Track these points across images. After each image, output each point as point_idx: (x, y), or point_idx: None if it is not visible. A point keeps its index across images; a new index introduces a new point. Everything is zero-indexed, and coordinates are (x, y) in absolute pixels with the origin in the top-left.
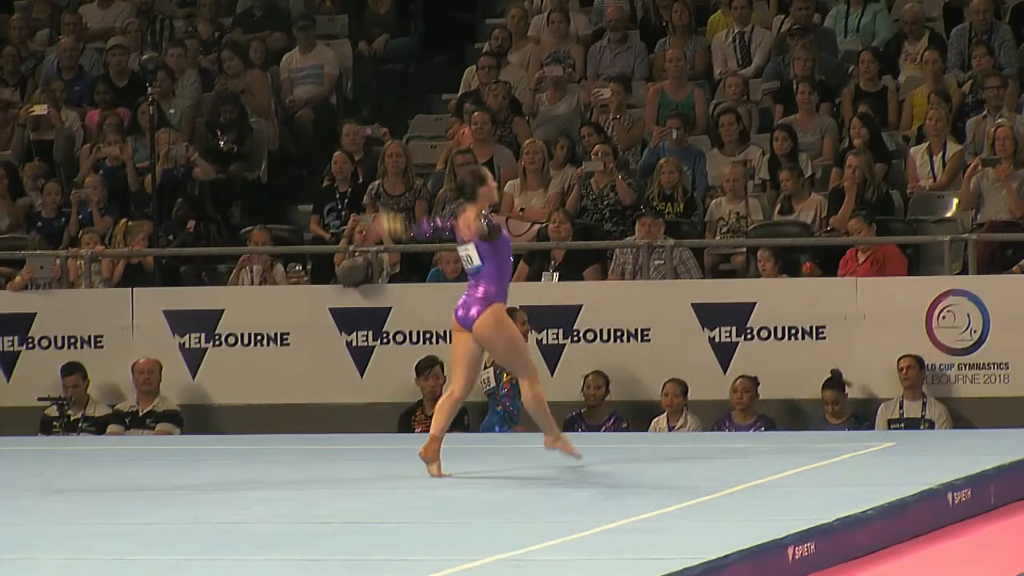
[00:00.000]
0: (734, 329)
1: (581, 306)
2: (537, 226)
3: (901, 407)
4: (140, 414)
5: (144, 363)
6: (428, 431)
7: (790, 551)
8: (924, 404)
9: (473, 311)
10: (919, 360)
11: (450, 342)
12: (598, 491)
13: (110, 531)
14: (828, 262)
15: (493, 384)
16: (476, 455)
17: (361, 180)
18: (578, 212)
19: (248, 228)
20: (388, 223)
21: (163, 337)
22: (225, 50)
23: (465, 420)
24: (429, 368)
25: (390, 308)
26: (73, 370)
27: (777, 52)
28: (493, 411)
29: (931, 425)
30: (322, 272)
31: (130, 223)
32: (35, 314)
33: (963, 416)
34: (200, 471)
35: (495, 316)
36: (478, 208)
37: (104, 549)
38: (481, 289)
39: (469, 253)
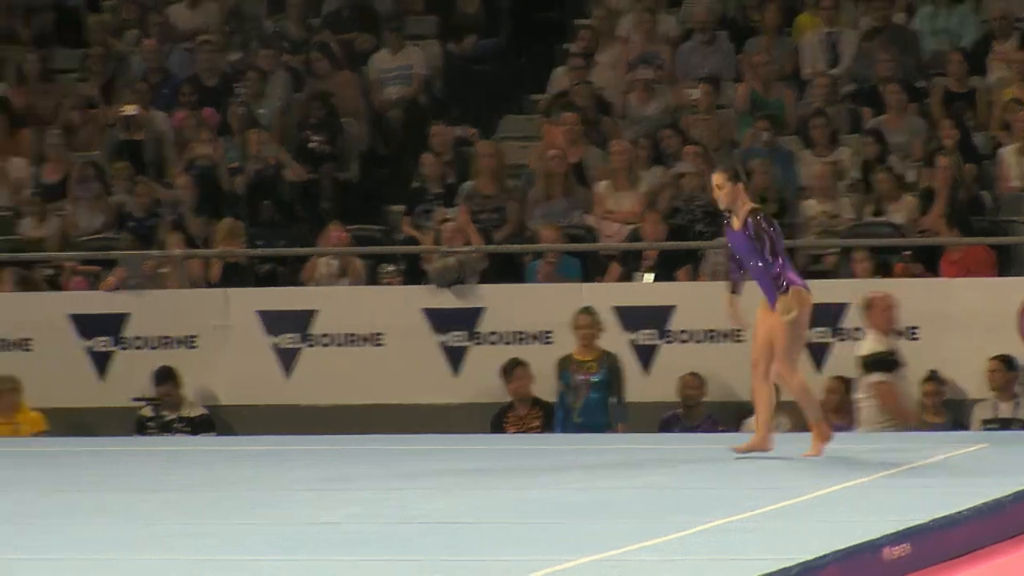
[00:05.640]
0: (827, 330)
1: (674, 307)
2: (628, 227)
3: (996, 408)
4: None
5: None
6: (521, 431)
7: (885, 552)
8: (1017, 404)
9: None
10: (1007, 361)
11: (546, 342)
12: (692, 492)
13: (202, 531)
14: (924, 263)
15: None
16: (568, 456)
17: (451, 181)
18: (670, 213)
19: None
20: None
21: (257, 337)
22: (314, 51)
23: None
24: (514, 369)
25: (483, 308)
26: (165, 379)
27: (859, 54)
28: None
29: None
30: (414, 273)
31: (233, 222)
32: (128, 315)
33: None
34: (293, 471)
35: None
36: None
37: (196, 549)
38: None
39: None
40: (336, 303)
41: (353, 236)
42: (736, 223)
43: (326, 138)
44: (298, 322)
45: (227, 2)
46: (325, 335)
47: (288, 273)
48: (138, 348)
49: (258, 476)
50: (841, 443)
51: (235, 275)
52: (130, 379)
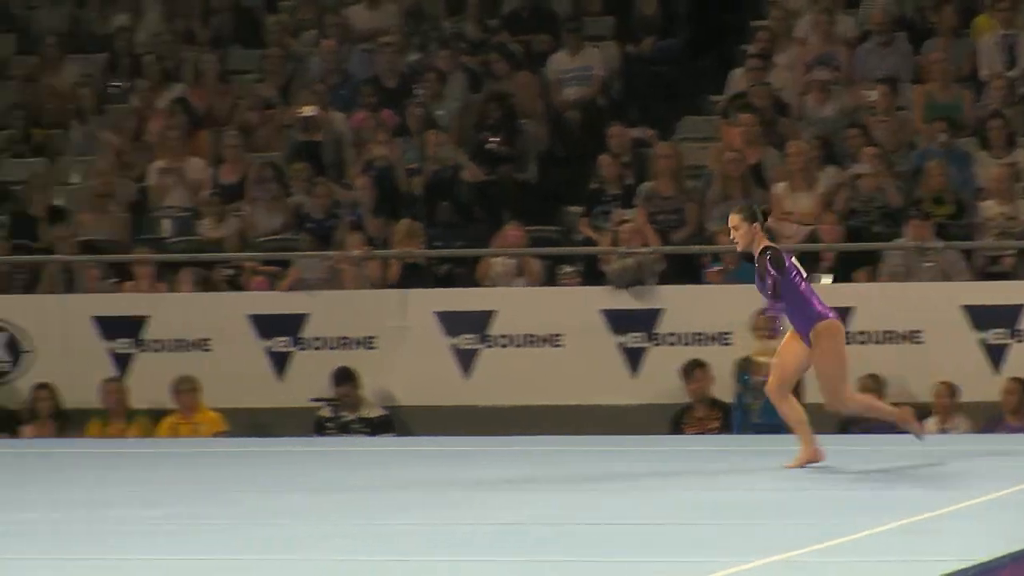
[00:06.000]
0: (1005, 331)
1: (853, 308)
2: (806, 228)
3: None
4: None
5: None
6: (699, 433)
7: None
8: None
9: None
10: None
11: (724, 343)
12: (870, 493)
13: (381, 532)
14: None
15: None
16: (746, 457)
17: (629, 182)
18: (847, 214)
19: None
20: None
21: (436, 338)
22: (493, 52)
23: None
24: (694, 370)
25: (662, 309)
26: (344, 379)
27: None
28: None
29: None
30: (592, 274)
31: (411, 223)
32: (307, 315)
33: None
34: (472, 472)
35: None
36: None
37: (375, 550)
38: None
39: None
40: (514, 304)
41: (531, 237)
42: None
43: (504, 139)
44: (476, 323)
45: (405, 3)
46: (503, 336)
47: (466, 274)
48: (317, 348)
49: (437, 477)
50: (1017, 444)
51: (413, 276)
52: (309, 379)
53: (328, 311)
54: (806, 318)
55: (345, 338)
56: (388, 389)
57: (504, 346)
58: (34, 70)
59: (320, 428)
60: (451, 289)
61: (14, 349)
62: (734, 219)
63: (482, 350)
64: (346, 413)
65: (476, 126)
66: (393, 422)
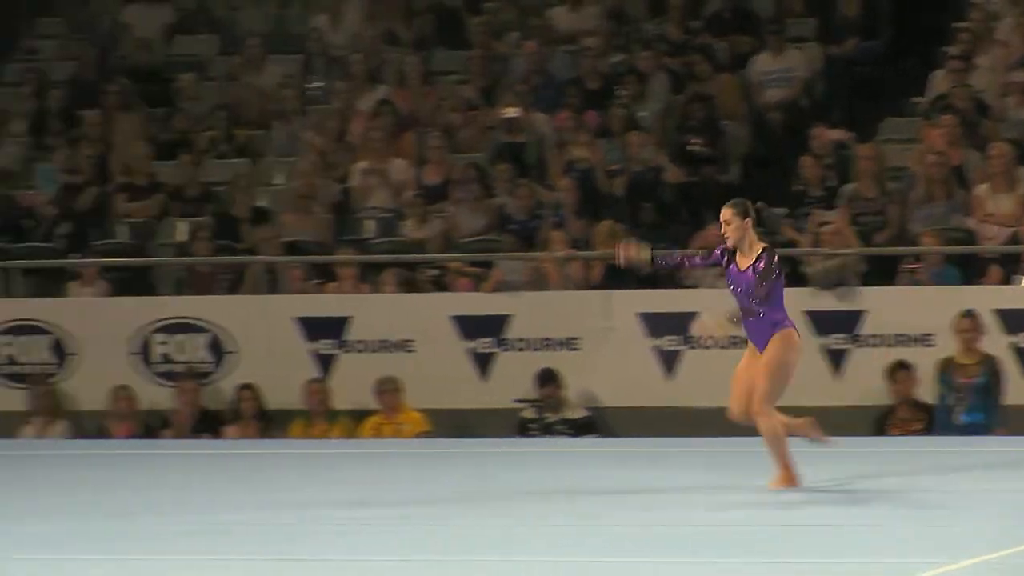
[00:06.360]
0: None
1: None
2: (1008, 229)
3: None
4: None
5: None
6: (903, 434)
7: None
8: None
9: None
10: None
11: (927, 345)
12: None
13: (583, 532)
14: None
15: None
16: (949, 458)
17: (831, 183)
18: None
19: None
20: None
21: (638, 339)
22: (695, 53)
23: None
24: (898, 372)
25: (864, 311)
26: (548, 380)
27: None
28: None
29: None
30: (794, 275)
31: (613, 224)
32: (511, 316)
33: None
34: (674, 474)
35: None
36: None
37: (576, 550)
38: None
39: None
40: (717, 306)
41: None
42: (741, 262)
43: (706, 140)
44: (679, 324)
45: (607, 4)
46: (706, 337)
47: (668, 275)
48: (520, 350)
49: (639, 479)
50: None
51: (615, 276)
52: (512, 380)
53: (531, 312)
54: (773, 324)
55: (548, 339)
56: (591, 390)
57: (707, 347)
58: (236, 70)
59: (523, 429)
60: (655, 290)
61: (218, 350)
62: (726, 213)
63: (685, 351)
64: (549, 414)
65: (678, 127)
66: (596, 423)
